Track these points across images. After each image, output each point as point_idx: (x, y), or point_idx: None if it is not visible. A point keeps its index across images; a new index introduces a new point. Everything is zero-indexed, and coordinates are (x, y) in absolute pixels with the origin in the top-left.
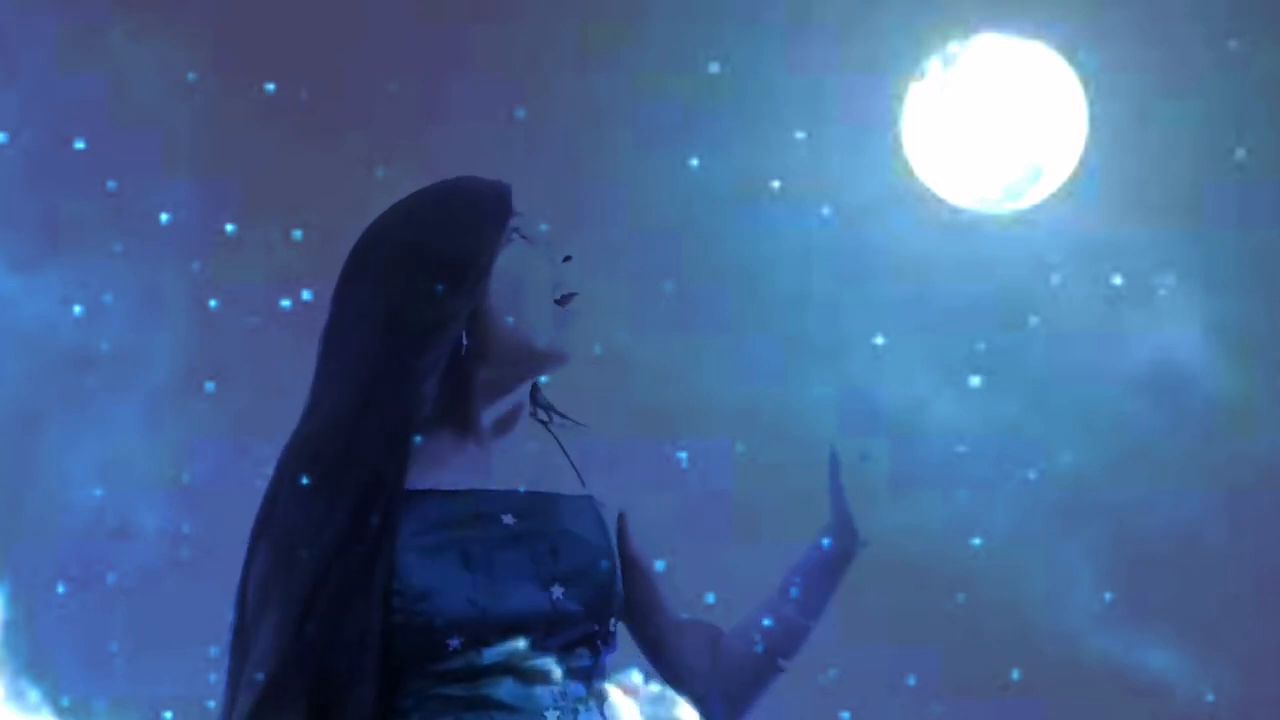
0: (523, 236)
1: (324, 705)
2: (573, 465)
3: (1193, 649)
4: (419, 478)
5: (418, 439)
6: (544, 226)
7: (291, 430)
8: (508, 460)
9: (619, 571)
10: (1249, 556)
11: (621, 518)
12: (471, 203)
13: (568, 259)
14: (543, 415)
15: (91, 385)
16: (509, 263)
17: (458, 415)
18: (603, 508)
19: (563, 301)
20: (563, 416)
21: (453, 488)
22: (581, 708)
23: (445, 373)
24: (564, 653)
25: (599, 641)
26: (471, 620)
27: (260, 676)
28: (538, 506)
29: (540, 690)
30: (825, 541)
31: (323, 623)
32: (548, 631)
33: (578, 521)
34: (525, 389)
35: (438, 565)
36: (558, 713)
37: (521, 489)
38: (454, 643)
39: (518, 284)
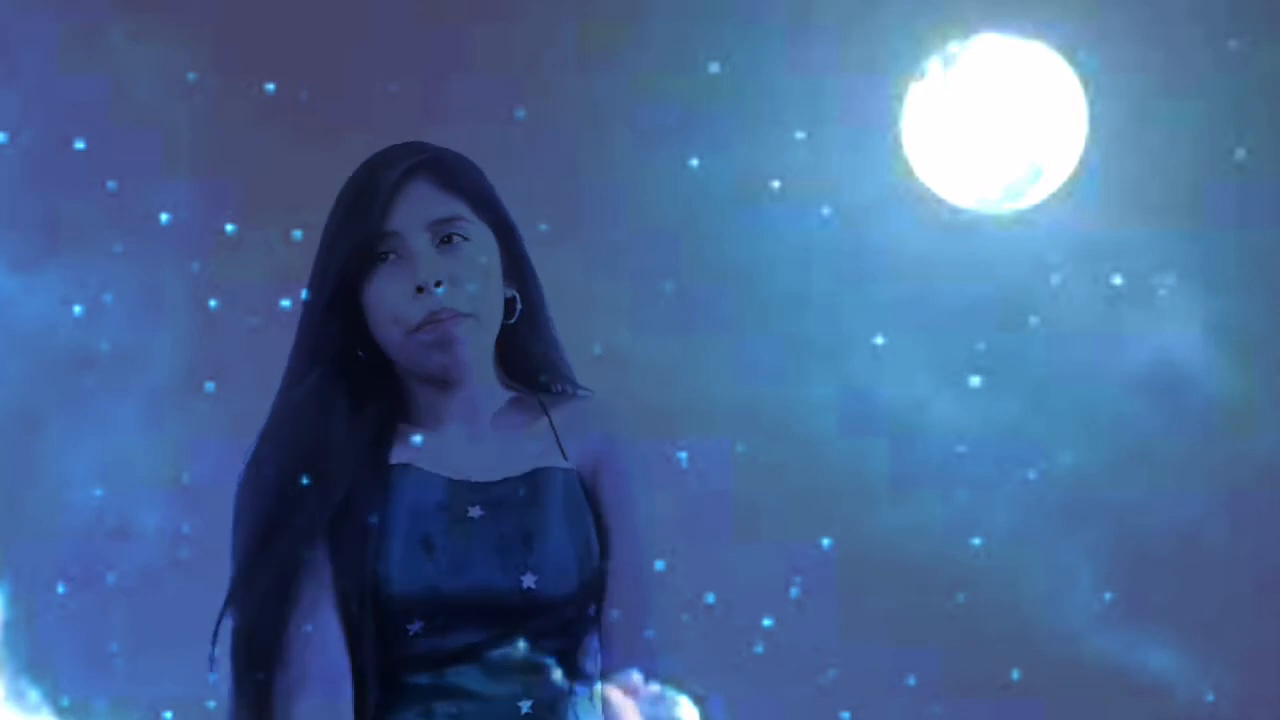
0: (383, 257)
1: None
2: (556, 437)
3: (1193, 649)
4: (399, 454)
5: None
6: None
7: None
8: (497, 438)
9: (598, 555)
10: (1249, 556)
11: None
12: (341, 210)
13: (420, 290)
14: (545, 384)
15: (91, 385)
16: (373, 282)
17: (435, 396)
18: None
19: (419, 329)
20: (575, 385)
21: (427, 467)
22: (560, 700)
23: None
24: (539, 640)
25: (577, 627)
26: (429, 603)
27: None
28: (513, 494)
29: (512, 679)
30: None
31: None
32: (518, 619)
33: (559, 504)
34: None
35: (398, 550)
36: (530, 701)
37: (498, 477)
38: (413, 627)
39: (373, 308)
